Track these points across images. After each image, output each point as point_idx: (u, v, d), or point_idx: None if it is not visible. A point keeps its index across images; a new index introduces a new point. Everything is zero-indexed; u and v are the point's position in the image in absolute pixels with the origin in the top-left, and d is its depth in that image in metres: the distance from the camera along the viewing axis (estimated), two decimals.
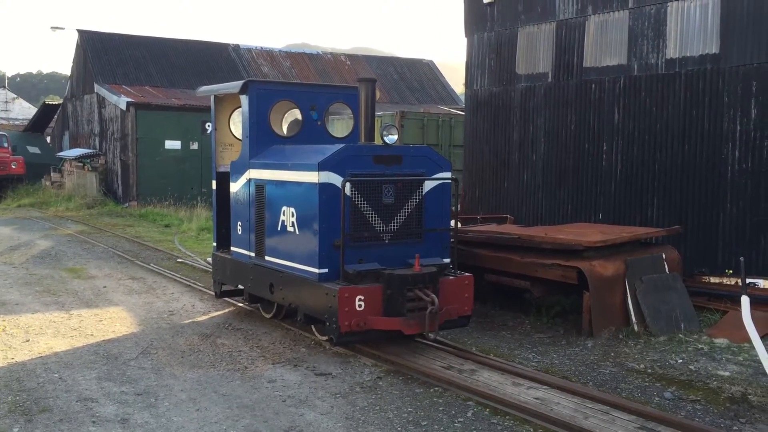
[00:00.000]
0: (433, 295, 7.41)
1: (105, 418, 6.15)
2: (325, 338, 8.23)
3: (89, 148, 29.57)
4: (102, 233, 18.82)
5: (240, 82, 9.03)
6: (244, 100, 8.98)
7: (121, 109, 25.69)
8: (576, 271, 8.70)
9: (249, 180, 8.98)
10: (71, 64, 32.41)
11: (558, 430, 5.85)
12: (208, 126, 25.71)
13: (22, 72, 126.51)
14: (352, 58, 35.71)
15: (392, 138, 8.01)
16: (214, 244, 10.17)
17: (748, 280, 9.33)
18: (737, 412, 6.40)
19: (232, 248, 9.51)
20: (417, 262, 7.59)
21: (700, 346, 8.28)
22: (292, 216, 8.12)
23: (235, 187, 9.36)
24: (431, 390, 6.88)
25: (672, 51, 11.37)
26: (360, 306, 7.32)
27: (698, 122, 11.03)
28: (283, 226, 8.31)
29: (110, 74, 28.17)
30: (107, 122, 27.83)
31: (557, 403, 6.40)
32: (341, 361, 7.77)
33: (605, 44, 12.33)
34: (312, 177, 7.73)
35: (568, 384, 6.94)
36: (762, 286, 9.33)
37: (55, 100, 41.10)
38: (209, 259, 14.13)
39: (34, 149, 33.06)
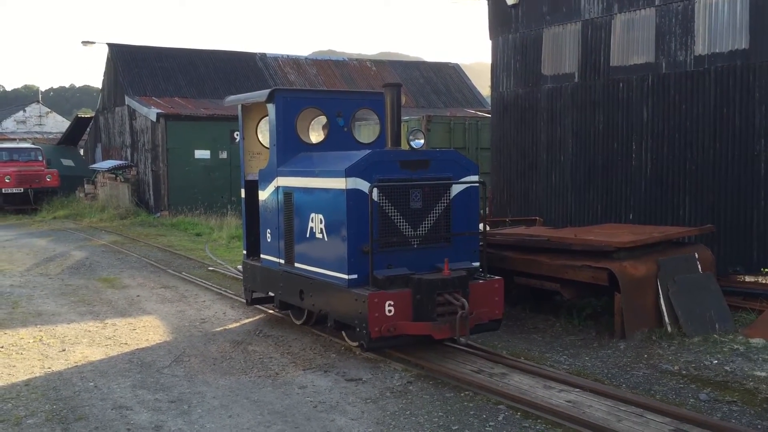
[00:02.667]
0: (463, 299, 7.37)
1: (139, 426, 6.24)
2: (355, 344, 8.21)
3: (121, 160, 30.03)
4: (135, 243, 19.10)
5: (266, 91, 9.09)
6: (270, 108, 9.04)
7: (151, 121, 26.07)
8: (607, 272, 8.60)
9: (277, 188, 9.01)
10: (102, 77, 32.99)
11: None
12: (237, 135, 25.98)
13: (55, 86, 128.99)
14: (378, 63, 35.80)
15: (419, 142, 7.97)
16: (244, 252, 10.21)
17: None
18: None
19: (262, 256, 9.55)
20: (446, 267, 7.55)
21: (735, 346, 8.14)
22: (321, 223, 8.14)
23: (263, 195, 9.41)
24: (462, 394, 6.85)
25: (701, 48, 11.22)
26: (390, 311, 7.30)
27: (729, 119, 10.86)
28: (312, 233, 8.33)
29: (140, 86, 28.61)
30: (138, 134, 28.25)
31: (589, 406, 6.33)
32: (371, 367, 7.78)
33: (632, 43, 12.21)
34: (339, 183, 7.74)
35: (600, 386, 6.87)
36: None
37: (87, 113, 41.87)
38: (239, 267, 14.26)
39: (67, 162, 33.68)
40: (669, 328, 8.57)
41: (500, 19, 14.64)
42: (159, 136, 25.67)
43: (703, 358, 7.79)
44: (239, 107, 10.10)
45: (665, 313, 8.65)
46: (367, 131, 11.62)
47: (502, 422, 6.14)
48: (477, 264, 8.25)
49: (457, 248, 8.11)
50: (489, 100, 17.92)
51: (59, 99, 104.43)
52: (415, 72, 35.04)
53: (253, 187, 9.79)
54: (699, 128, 11.24)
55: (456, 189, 8.12)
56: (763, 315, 8.81)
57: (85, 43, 31.10)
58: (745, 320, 8.93)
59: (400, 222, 7.81)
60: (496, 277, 8.14)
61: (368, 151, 8.02)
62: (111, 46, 30.57)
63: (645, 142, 12.00)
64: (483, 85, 37.37)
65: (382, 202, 7.69)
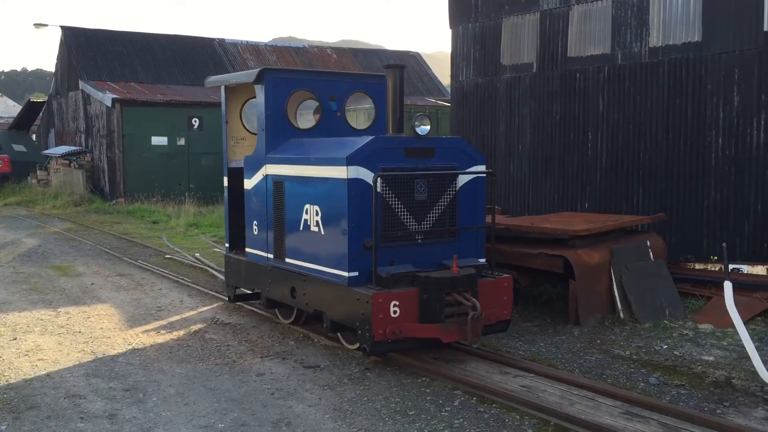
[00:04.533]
0: (474, 299, 6.86)
1: (93, 414, 6.15)
2: (353, 347, 7.59)
3: (75, 146, 29.41)
4: (89, 230, 18.75)
5: (255, 71, 8.41)
6: (259, 90, 8.38)
7: (106, 106, 25.56)
8: (562, 259, 8.75)
9: (266, 176, 8.37)
10: (55, 61, 32.20)
11: (544, 416, 5.90)
12: (195, 121, 25.63)
13: (6, 70, 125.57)
14: (339, 51, 35.64)
15: (424, 129, 7.30)
16: (227, 245, 9.56)
17: (732, 266, 9.43)
18: (721, 395, 6.48)
19: (247, 249, 8.94)
20: (455, 264, 7.01)
21: (685, 331, 8.37)
22: (317, 215, 7.53)
23: (249, 184, 8.76)
24: (419, 380, 6.91)
25: (655, 39, 11.43)
26: (395, 312, 6.74)
27: (682, 110, 11.11)
28: (306, 226, 7.72)
29: (95, 71, 27.99)
30: (93, 119, 27.68)
31: (543, 391, 6.45)
32: (330, 354, 7.79)
33: (589, 34, 12.38)
34: (340, 172, 7.11)
35: (554, 371, 7.00)
36: (746, 272, 9.42)
37: (40, 97, 40.85)
38: (197, 255, 14.13)
39: (19, 147, 32.85)
40: (621, 314, 8.77)
41: (460, 9, 14.69)
42: (114, 121, 25.19)
43: (654, 343, 7.99)
44: (222, 89, 9.39)
45: (618, 300, 8.84)
46: (356, 117, 10.92)
47: (458, 407, 6.22)
48: (483, 260, 7.73)
49: (462, 244, 7.57)
50: (449, 89, 18.02)
51: (10, 83, 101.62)
52: (375, 60, 34.96)
53: (237, 176, 9.12)
54: (652, 119, 11.47)
55: (462, 180, 7.55)
56: (712, 301, 9.07)
57: (37, 25, 30.28)
58: (695, 306, 9.18)
59: (404, 215, 7.22)
60: (506, 275, 7.63)
61: (370, 137, 7.34)
62: (64, 29, 29.84)
63: (601, 132, 12.19)
64: (443, 74, 37.47)
65: (386, 193, 7.09)
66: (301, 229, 7.83)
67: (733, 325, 6.68)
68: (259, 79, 8.31)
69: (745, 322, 7.46)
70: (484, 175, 7.74)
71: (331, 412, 6.16)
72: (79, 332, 8.83)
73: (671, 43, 11.21)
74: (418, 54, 37.16)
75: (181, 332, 8.77)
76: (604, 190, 12.13)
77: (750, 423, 5.80)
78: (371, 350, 6.87)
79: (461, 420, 5.94)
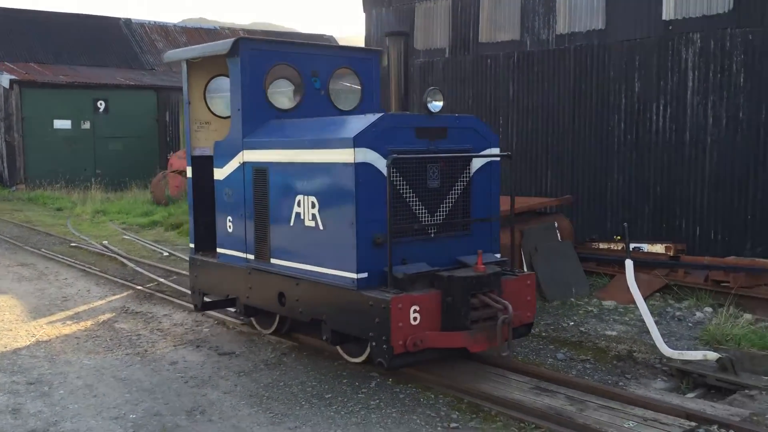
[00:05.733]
0: (505, 301, 6.06)
1: None
2: (358, 360, 6.74)
3: None
4: None
5: (228, 41, 7.22)
6: (233, 64, 7.25)
7: (3, 87, 24.25)
8: None
9: (243, 164, 7.26)
10: None
11: (458, 394, 6.05)
12: (101, 104, 24.67)
13: None
14: (251, 33, 35.04)
15: (437, 105, 6.40)
16: (192, 245, 8.27)
17: (633, 245, 9.90)
18: (623, 368, 6.81)
19: (219, 250, 7.73)
20: (479, 260, 6.18)
21: (590, 308, 8.73)
22: (313, 207, 6.51)
23: (221, 173, 7.60)
24: (336, 363, 6.94)
25: (562, 27, 11.77)
26: (415, 319, 5.85)
27: (587, 96, 11.51)
28: (299, 221, 6.67)
29: None
30: None
31: (457, 369, 6.60)
32: (245, 340, 7.72)
33: (499, 20, 12.63)
34: (344, 156, 6.10)
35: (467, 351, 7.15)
36: (646, 250, 9.90)
37: None
38: (105, 243, 13.67)
39: None
40: None
41: None
42: (13, 104, 23.93)
43: (562, 320, 8.31)
44: (183, 64, 8.07)
45: None
46: (340, 96, 9.61)
47: (374, 388, 6.29)
48: (499, 255, 6.95)
49: (477, 237, 6.75)
50: None
51: None
52: None
53: (203, 165, 7.99)
54: (560, 104, 11.84)
55: (476, 164, 6.72)
56: (615, 279, 9.49)
57: None
58: (599, 284, 9.59)
59: (416, 205, 6.32)
60: (528, 272, 6.92)
61: (378, 115, 6.38)
62: None
63: (511, 117, 12.50)
64: None
65: (396, 180, 6.17)
66: (291, 224, 6.77)
67: (634, 301, 7.02)
68: (233, 51, 7.18)
69: (645, 298, 7.86)
70: (499, 159, 6.96)
71: (246, 398, 6.11)
72: None
73: (577, 30, 11.58)
74: (332, 37, 36.98)
75: (89, 322, 8.48)
76: (516, 174, 12.45)
77: (649, 393, 6.13)
78: (390, 365, 5.89)
79: (377, 401, 6.01)
